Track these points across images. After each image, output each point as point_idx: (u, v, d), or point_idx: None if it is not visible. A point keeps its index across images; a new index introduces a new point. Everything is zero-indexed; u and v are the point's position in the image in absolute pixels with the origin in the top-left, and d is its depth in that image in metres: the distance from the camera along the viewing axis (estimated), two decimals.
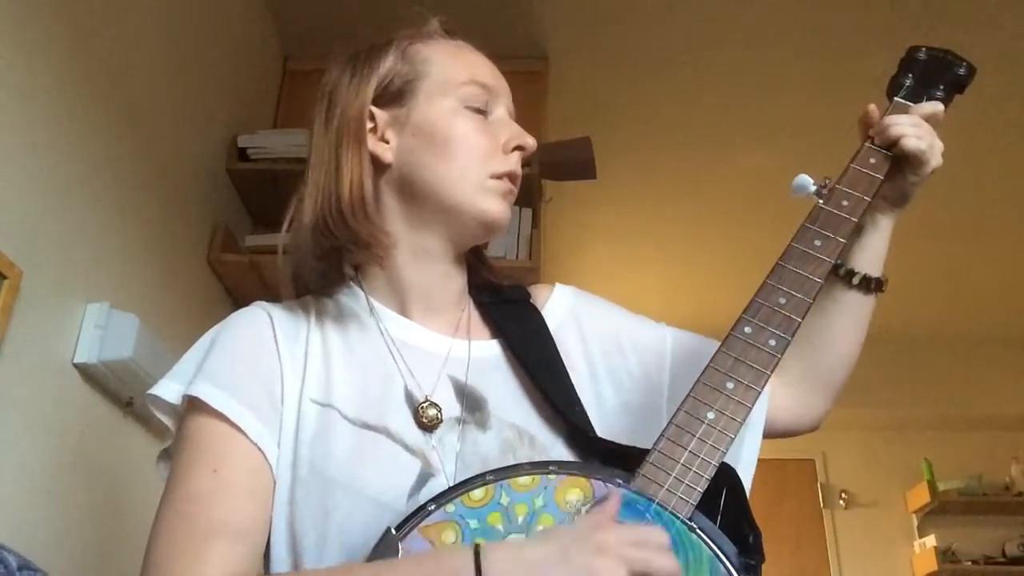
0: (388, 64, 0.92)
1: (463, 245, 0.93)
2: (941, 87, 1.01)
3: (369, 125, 0.90)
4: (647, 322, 1.02)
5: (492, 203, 0.89)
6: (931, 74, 1.01)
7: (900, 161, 0.94)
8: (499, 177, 0.90)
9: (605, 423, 0.89)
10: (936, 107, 0.97)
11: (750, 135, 3.08)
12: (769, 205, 3.16)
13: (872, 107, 0.99)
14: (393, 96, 0.91)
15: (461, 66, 0.93)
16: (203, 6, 2.19)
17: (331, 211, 0.87)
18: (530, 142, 0.92)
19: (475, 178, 0.88)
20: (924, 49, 1.04)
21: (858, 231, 0.98)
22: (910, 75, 1.02)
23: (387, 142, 0.90)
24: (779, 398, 0.98)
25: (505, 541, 0.67)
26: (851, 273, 0.97)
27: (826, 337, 0.99)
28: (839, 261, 0.98)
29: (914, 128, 0.93)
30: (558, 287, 1.03)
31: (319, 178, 0.90)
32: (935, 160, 0.94)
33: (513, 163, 0.91)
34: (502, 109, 0.94)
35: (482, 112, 0.92)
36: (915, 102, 0.99)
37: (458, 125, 0.89)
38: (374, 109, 0.91)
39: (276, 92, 2.72)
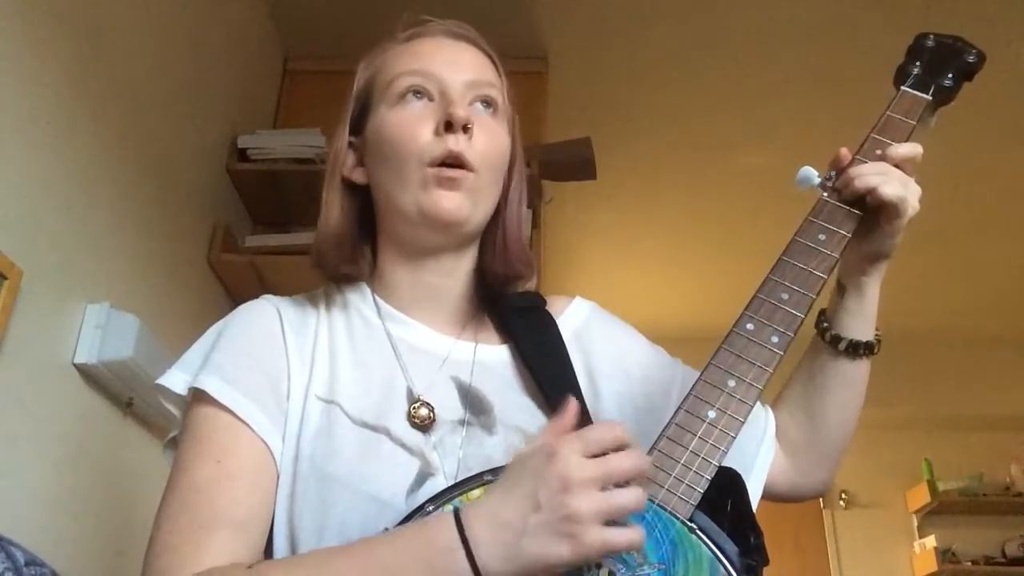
0: (354, 91, 0.94)
1: (437, 246, 0.90)
2: (949, 75, 0.96)
3: (353, 158, 0.93)
4: (661, 354, 1.00)
5: (429, 197, 0.85)
6: (939, 62, 0.97)
7: (874, 214, 0.86)
8: (435, 165, 0.85)
9: None
10: (914, 149, 0.88)
11: (750, 135, 3.08)
12: (769, 205, 3.15)
13: (843, 151, 0.91)
14: (359, 120, 0.94)
15: (400, 63, 0.90)
16: (203, 6, 2.18)
17: (318, 242, 0.92)
18: (458, 115, 0.84)
19: (414, 175, 0.85)
20: (932, 36, 1.00)
21: (842, 293, 0.93)
22: (917, 63, 0.98)
23: (364, 166, 0.93)
24: (778, 466, 0.95)
25: (481, 503, 0.66)
26: (838, 339, 0.92)
27: (819, 406, 0.94)
28: (826, 324, 0.94)
29: (880, 177, 0.85)
30: (577, 300, 1.02)
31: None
32: (912, 208, 0.85)
33: (449, 144, 0.84)
34: (449, 87, 0.88)
35: (419, 96, 0.88)
36: (923, 91, 0.95)
37: (389, 126, 0.88)
38: (353, 139, 0.93)
39: (276, 92, 2.72)
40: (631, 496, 0.64)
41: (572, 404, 0.69)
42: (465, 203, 0.86)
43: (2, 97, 1.40)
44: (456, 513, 0.65)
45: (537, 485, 0.63)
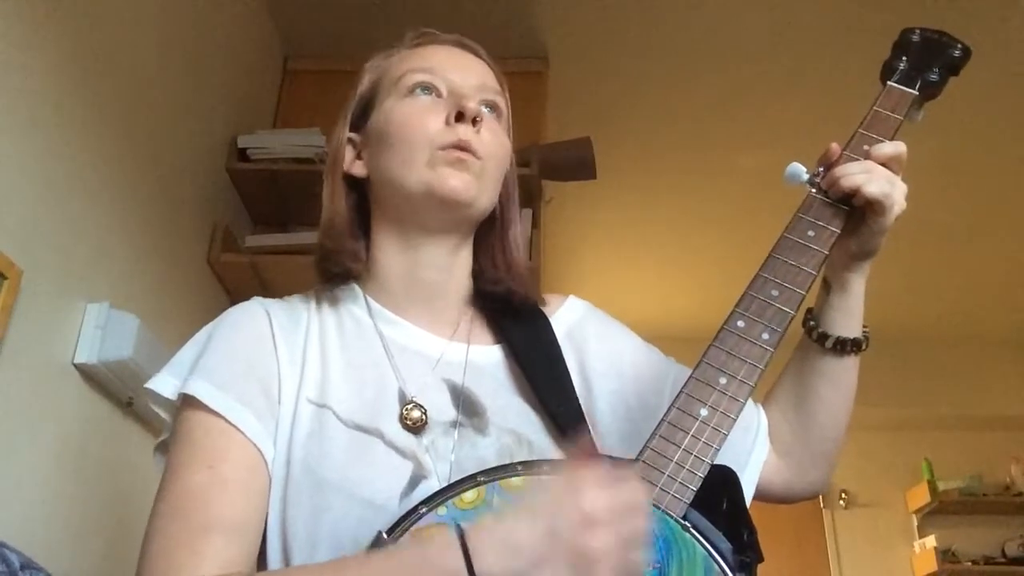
0: (358, 91, 0.97)
1: (441, 231, 0.91)
2: (936, 70, 0.97)
3: (351, 152, 0.95)
4: (654, 352, 1.01)
5: (439, 175, 0.86)
6: (925, 57, 0.98)
7: (860, 212, 0.88)
8: (444, 149, 0.87)
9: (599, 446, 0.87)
10: (898, 148, 0.89)
11: (750, 135, 3.08)
12: (769, 205, 3.15)
13: (833, 146, 0.92)
14: (361, 117, 0.96)
15: (408, 63, 0.93)
16: (203, 6, 2.19)
17: (324, 238, 0.93)
18: (470, 107, 0.87)
19: (422, 158, 0.87)
20: (918, 31, 1.01)
21: (828, 290, 0.93)
22: (904, 58, 0.99)
23: (363, 159, 0.95)
24: (772, 466, 0.95)
25: (489, 525, 0.64)
26: (824, 336, 0.92)
27: (809, 405, 0.95)
28: (813, 322, 0.94)
29: (866, 175, 0.86)
30: (571, 299, 1.02)
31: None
32: (898, 206, 0.87)
33: (459, 133, 0.87)
34: (458, 86, 0.91)
35: (428, 92, 0.91)
36: (909, 86, 0.96)
37: (397, 115, 0.90)
38: (352, 135, 0.95)
39: (276, 92, 2.72)
40: (644, 559, 0.63)
41: (587, 442, 0.68)
42: (473, 184, 0.87)
43: (2, 97, 1.40)
44: (461, 536, 0.62)
45: (557, 515, 0.61)
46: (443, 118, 0.88)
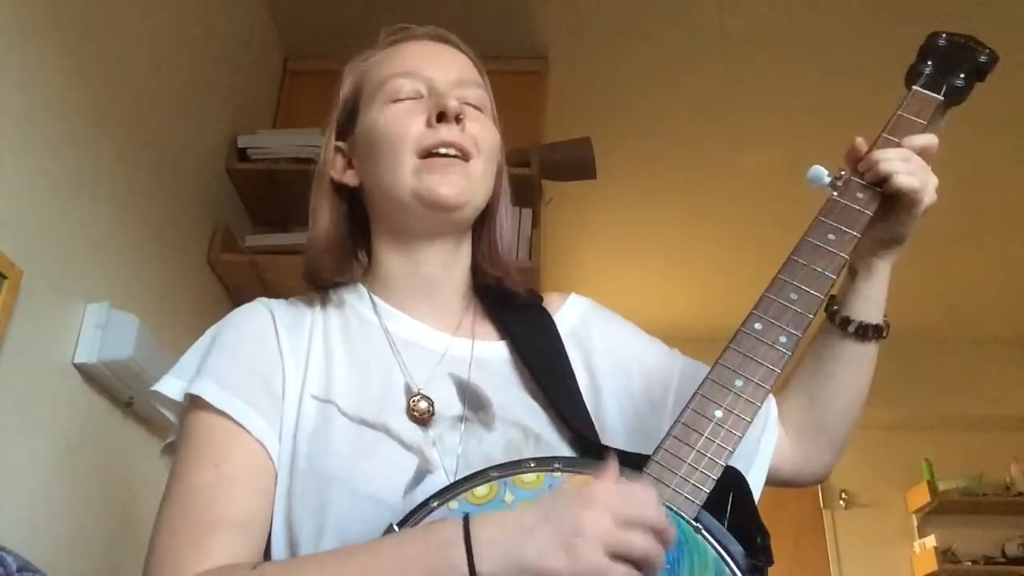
0: (340, 97, 0.97)
1: (438, 234, 0.91)
2: (961, 75, 0.96)
3: (342, 161, 0.95)
4: (660, 346, 1.01)
5: (426, 182, 0.86)
6: (951, 61, 0.97)
7: (891, 200, 0.88)
8: (427, 155, 0.87)
9: (605, 442, 0.87)
10: (930, 139, 0.90)
11: (750, 136, 3.08)
12: (769, 205, 3.16)
13: (859, 140, 0.92)
14: (347, 125, 0.96)
15: (388, 65, 0.93)
16: (203, 6, 2.18)
17: (310, 252, 0.93)
18: (451, 105, 0.87)
19: (407, 165, 0.87)
20: (944, 35, 1.00)
21: (853, 275, 0.94)
22: (929, 62, 0.98)
23: (354, 167, 0.94)
24: (782, 449, 0.95)
25: (493, 511, 0.66)
26: (847, 321, 0.93)
27: (826, 390, 0.95)
28: (836, 307, 0.94)
29: (904, 164, 0.87)
30: (573, 297, 1.02)
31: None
32: (928, 197, 0.88)
33: (441, 134, 0.87)
34: (438, 84, 0.91)
35: (411, 97, 0.90)
36: (934, 91, 0.95)
37: (381, 123, 0.90)
38: (340, 144, 0.95)
39: (276, 92, 2.72)
40: (645, 542, 0.61)
41: (613, 460, 0.67)
42: (463, 187, 0.88)
43: (2, 97, 1.40)
44: (466, 515, 0.64)
45: (558, 501, 0.63)
46: (424, 120, 0.88)
